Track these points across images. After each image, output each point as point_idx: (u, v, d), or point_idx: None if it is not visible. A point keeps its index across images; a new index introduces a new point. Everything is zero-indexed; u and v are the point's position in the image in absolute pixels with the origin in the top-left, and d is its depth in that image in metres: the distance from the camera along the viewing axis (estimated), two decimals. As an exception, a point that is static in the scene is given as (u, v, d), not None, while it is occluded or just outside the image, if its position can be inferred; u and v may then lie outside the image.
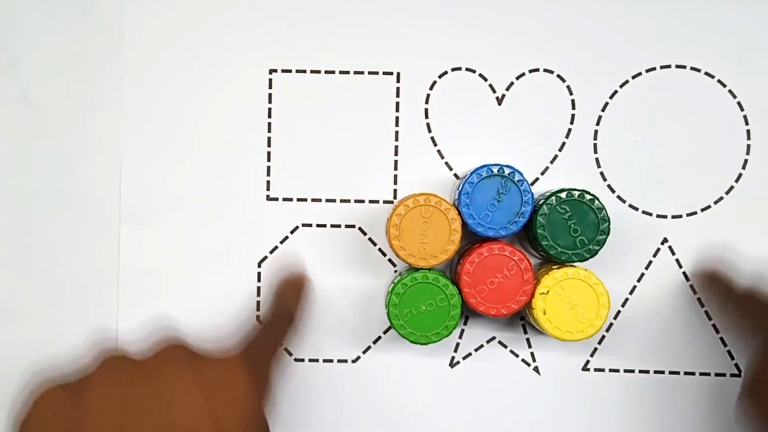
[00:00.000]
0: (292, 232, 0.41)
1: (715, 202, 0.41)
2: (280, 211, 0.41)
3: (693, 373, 0.40)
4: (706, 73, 0.41)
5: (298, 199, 0.41)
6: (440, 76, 0.41)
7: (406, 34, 0.41)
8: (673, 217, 0.41)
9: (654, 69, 0.41)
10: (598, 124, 0.41)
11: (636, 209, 0.41)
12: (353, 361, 0.41)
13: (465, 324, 0.41)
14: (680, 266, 0.41)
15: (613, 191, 0.41)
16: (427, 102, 0.41)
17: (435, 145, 0.41)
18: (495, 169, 0.37)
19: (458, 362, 0.41)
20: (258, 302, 0.41)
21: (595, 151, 0.41)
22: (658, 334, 0.41)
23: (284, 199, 0.41)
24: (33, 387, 0.30)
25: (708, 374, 0.41)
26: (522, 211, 0.37)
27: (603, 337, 0.41)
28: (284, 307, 0.38)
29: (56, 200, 0.41)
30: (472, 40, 0.41)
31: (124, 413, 0.30)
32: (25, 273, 0.41)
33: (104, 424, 0.29)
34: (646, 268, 0.41)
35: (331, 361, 0.41)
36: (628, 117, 0.41)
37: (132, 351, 0.32)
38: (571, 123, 0.41)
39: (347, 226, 0.41)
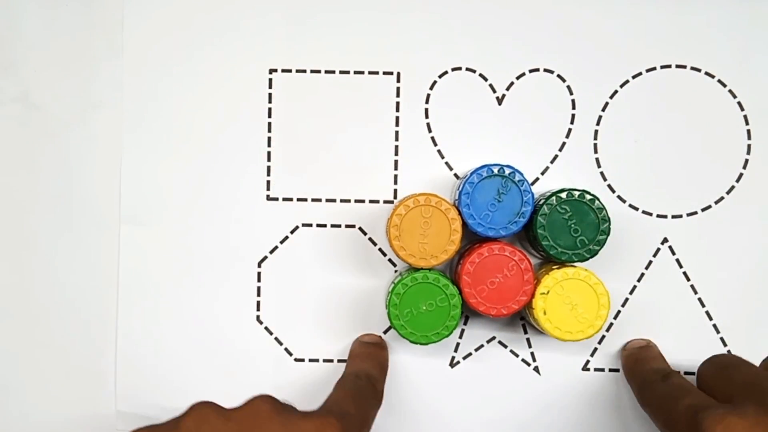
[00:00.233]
0: (292, 232, 0.41)
1: (716, 202, 0.41)
2: (280, 211, 0.41)
3: (693, 373, 0.40)
4: (707, 73, 0.41)
5: (298, 199, 0.41)
6: (440, 76, 0.41)
7: (406, 34, 0.41)
8: (673, 217, 0.41)
9: (654, 69, 0.41)
10: (598, 124, 0.41)
11: (636, 209, 0.41)
12: (353, 361, 0.41)
13: (465, 324, 0.41)
14: (680, 266, 0.41)
15: (613, 191, 0.41)
16: (427, 102, 0.41)
17: (435, 145, 0.41)
18: (495, 169, 0.37)
19: (458, 362, 0.41)
20: (258, 302, 0.41)
21: (596, 151, 0.41)
22: (658, 334, 0.41)
23: (284, 199, 0.41)
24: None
25: (708, 374, 0.41)
26: (522, 211, 0.37)
27: (603, 337, 0.41)
28: (371, 386, 0.37)
29: (56, 200, 0.41)
30: (472, 40, 0.41)
31: None
32: (25, 273, 0.41)
33: None
34: (646, 268, 0.41)
35: (331, 361, 0.41)
36: (629, 117, 0.41)
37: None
38: (572, 123, 0.41)
39: (347, 226, 0.41)
